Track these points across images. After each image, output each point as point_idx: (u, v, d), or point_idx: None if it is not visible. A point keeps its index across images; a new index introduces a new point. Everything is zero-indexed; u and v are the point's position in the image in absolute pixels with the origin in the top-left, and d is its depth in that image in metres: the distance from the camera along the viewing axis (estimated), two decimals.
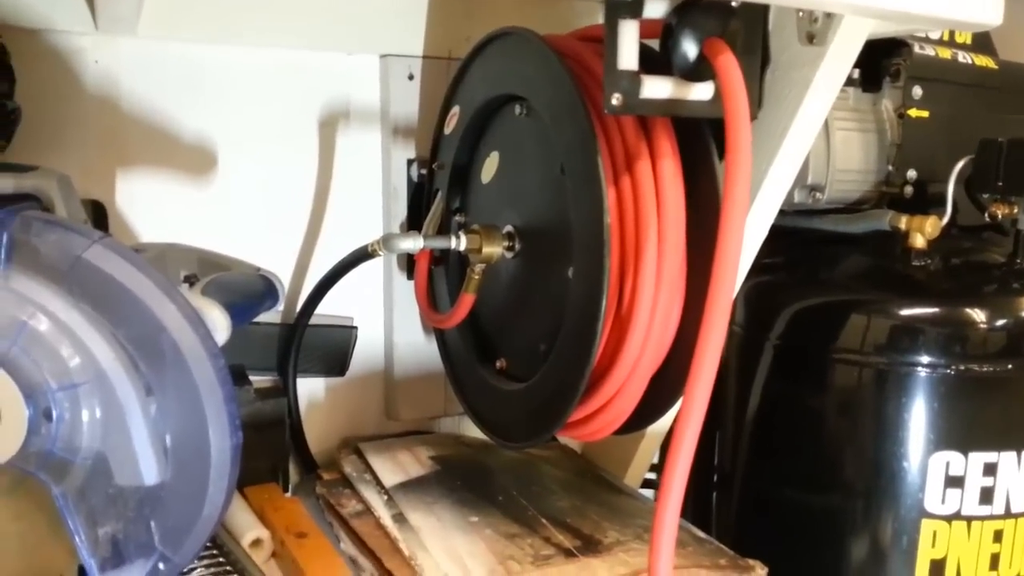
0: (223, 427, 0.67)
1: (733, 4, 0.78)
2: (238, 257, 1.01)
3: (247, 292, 0.84)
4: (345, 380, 1.24)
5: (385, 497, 1.04)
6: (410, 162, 1.20)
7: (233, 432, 0.68)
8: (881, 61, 1.13)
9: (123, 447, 0.68)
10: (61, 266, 0.66)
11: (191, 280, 0.87)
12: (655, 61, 0.81)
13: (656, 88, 0.77)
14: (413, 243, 0.95)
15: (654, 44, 0.83)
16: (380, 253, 0.97)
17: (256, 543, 0.98)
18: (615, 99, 0.76)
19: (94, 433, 0.68)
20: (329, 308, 1.20)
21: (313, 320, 1.18)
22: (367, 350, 1.25)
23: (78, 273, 0.65)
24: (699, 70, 0.78)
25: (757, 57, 0.83)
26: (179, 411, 0.67)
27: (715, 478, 1.31)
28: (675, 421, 0.72)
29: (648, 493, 1.20)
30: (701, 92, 0.79)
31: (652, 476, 1.30)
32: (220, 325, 0.73)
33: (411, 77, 1.18)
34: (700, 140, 0.84)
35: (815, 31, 0.85)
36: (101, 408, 0.67)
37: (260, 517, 1.02)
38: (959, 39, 1.20)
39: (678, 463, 0.72)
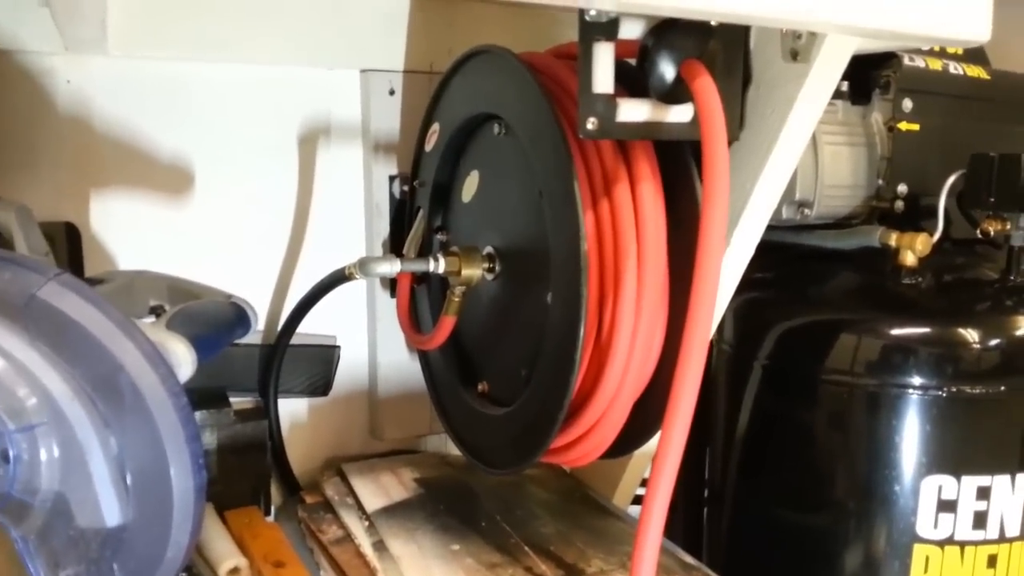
0: (185, 468, 0.65)
1: (712, 24, 0.76)
2: (214, 280, 0.99)
3: (216, 322, 0.82)
4: (329, 400, 1.22)
5: (366, 523, 1.02)
6: (392, 178, 1.18)
7: (196, 472, 0.66)
8: (870, 73, 1.11)
9: (83, 488, 0.66)
10: (16, 304, 0.64)
11: (158, 311, 0.85)
12: (634, 78, 0.79)
13: (633, 111, 0.75)
14: (390, 267, 0.93)
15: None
16: (357, 276, 0.95)
17: (234, 572, 0.96)
18: (590, 123, 0.74)
19: (53, 474, 0.66)
20: (311, 327, 1.18)
21: (295, 340, 1.16)
22: (351, 369, 1.23)
23: (33, 311, 0.63)
24: (677, 92, 0.75)
25: (738, 77, 0.81)
26: (139, 452, 0.65)
27: (706, 494, 1.29)
28: (655, 456, 0.70)
29: (638, 512, 1.18)
30: (680, 115, 0.77)
31: (644, 492, 1.28)
32: (184, 360, 0.71)
33: (392, 92, 1.16)
34: (681, 162, 0.82)
35: (799, 48, 0.82)
36: (60, 449, 0.65)
37: (239, 543, 1.00)
38: (950, 49, 1.18)
39: (657, 498, 0.71)
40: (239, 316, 0.85)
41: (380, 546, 0.96)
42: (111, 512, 0.66)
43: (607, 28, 0.72)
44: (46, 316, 0.63)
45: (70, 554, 0.68)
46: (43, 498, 0.66)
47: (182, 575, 0.95)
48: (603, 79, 0.73)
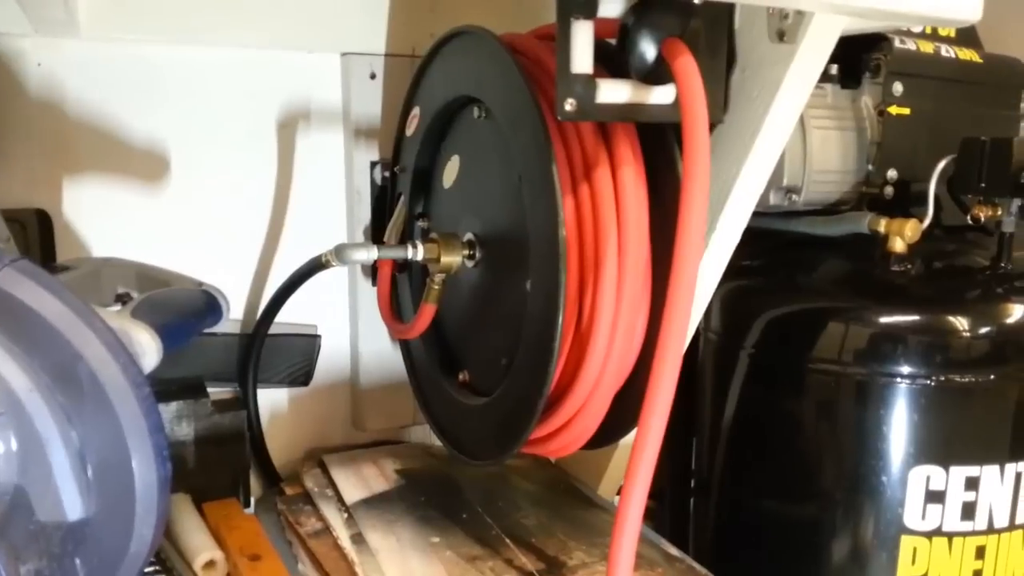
0: (148, 460, 0.64)
1: (695, 1, 0.74)
2: (190, 268, 0.96)
3: (185, 310, 0.79)
4: (310, 390, 1.20)
5: (345, 515, 1.00)
6: (373, 164, 1.15)
7: (160, 465, 0.64)
8: (860, 56, 1.09)
9: (43, 481, 0.64)
10: None
11: (124, 299, 0.82)
12: (615, 58, 0.76)
13: (613, 92, 0.73)
14: (367, 254, 0.91)
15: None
16: (333, 264, 0.93)
17: (209, 565, 0.94)
18: (569, 104, 0.72)
19: (11, 467, 0.64)
20: (292, 316, 1.16)
21: (275, 329, 1.14)
22: (332, 359, 1.21)
23: None
24: (658, 73, 0.73)
25: (722, 58, 0.79)
26: (101, 444, 0.63)
27: (692, 484, 1.28)
28: (632, 449, 0.68)
29: None
30: (662, 96, 0.75)
31: None
32: (149, 349, 0.69)
33: (373, 76, 1.14)
34: (664, 145, 0.80)
35: (785, 28, 0.80)
36: (18, 440, 0.63)
37: (216, 536, 0.98)
38: (942, 32, 1.16)
39: (635, 490, 0.69)
40: (209, 304, 0.82)
41: (358, 539, 0.95)
42: (72, 506, 0.64)
43: (586, 5, 0.70)
44: (2, 304, 0.61)
45: (31, 548, 0.65)
46: (2, 491, 0.64)
47: (153, 568, 0.94)
48: (582, 58, 0.71)
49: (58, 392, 0.62)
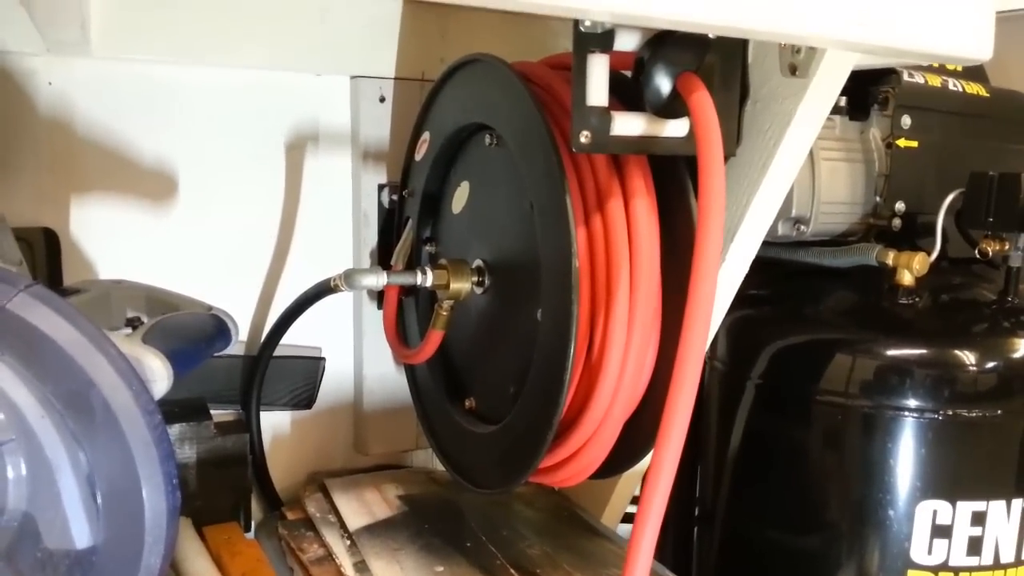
0: (158, 488, 0.63)
1: (709, 37, 0.74)
2: (196, 289, 0.96)
3: (195, 336, 0.79)
4: (312, 413, 1.20)
5: (348, 542, 0.99)
6: (381, 187, 1.15)
7: (170, 493, 0.64)
8: (869, 89, 1.09)
9: (52, 508, 0.63)
10: None
11: (135, 323, 0.82)
12: (630, 91, 0.77)
13: (627, 125, 0.73)
14: (376, 279, 0.91)
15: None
16: (342, 288, 0.93)
17: None
18: (583, 137, 0.72)
19: (20, 493, 0.63)
20: (297, 338, 1.16)
21: (279, 351, 1.14)
22: (336, 382, 1.21)
23: (2, 324, 0.61)
24: (673, 107, 0.74)
25: (735, 92, 0.79)
26: (111, 471, 0.63)
27: (696, 512, 1.27)
28: (646, 478, 0.68)
29: (627, 530, 1.16)
30: (675, 129, 0.75)
31: (634, 510, 1.26)
32: (160, 376, 0.68)
33: (382, 99, 1.14)
34: (676, 178, 0.80)
35: (798, 63, 0.80)
36: (28, 466, 0.63)
37: (217, 561, 0.97)
38: (949, 66, 1.16)
39: (648, 523, 0.69)
40: (219, 329, 0.82)
41: (361, 567, 0.94)
42: (80, 533, 0.64)
43: (602, 39, 0.70)
44: (15, 329, 0.61)
45: None
46: (10, 518, 0.63)
47: None
48: (597, 91, 0.71)
49: (69, 419, 0.62)
